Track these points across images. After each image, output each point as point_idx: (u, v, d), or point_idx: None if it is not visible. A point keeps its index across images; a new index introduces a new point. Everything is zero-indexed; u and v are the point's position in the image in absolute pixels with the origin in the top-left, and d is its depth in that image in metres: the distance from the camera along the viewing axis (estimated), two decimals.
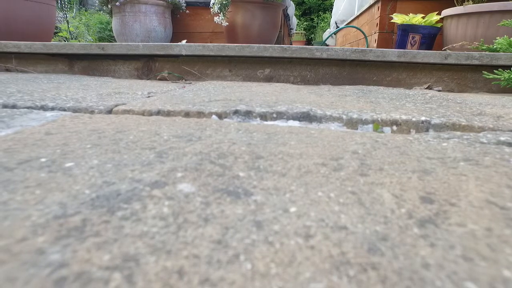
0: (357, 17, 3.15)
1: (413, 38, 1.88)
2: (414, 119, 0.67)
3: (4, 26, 1.83)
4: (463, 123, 0.66)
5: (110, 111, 0.74)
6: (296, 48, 1.32)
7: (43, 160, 0.42)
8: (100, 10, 2.71)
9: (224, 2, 2.00)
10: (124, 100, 0.85)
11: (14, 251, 0.24)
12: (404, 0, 2.20)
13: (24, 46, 1.45)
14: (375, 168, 0.42)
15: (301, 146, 0.51)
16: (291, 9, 3.71)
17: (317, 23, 9.06)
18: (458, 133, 0.62)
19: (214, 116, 0.70)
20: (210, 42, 2.62)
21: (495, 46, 1.32)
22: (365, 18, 2.80)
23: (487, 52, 1.26)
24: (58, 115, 0.67)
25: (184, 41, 1.83)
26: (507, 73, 1.10)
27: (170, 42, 2.49)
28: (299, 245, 0.26)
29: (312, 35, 9.14)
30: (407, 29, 1.89)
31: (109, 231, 0.27)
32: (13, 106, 0.75)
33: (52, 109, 0.74)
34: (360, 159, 0.46)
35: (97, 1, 2.33)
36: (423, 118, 0.67)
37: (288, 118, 0.70)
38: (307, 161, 0.44)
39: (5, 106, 0.75)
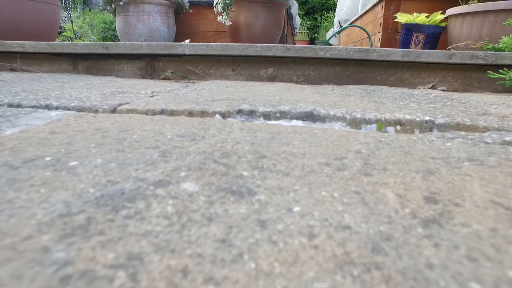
0: (361, 16, 3.14)
1: (417, 37, 1.87)
2: (418, 118, 0.67)
3: (9, 26, 1.84)
4: (467, 123, 0.65)
5: (114, 111, 0.74)
6: (299, 47, 1.32)
7: (48, 159, 0.42)
8: (103, 10, 2.72)
9: (227, 2, 2.00)
10: (127, 99, 0.86)
11: (20, 249, 0.24)
12: None
13: (29, 45, 1.46)
14: (378, 168, 0.42)
15: (304, 145, 0.51)
16: (294, 9, 3.70)
17: (321, 23, 9.04)
18: (463, 133, 0.62)
19: (217, 116, 0.70)
20: (213, 42, 2.62)
21: (500, 46, 1.31)
22: (369, 18, 2.79)
23: (492, 52, 1.25)
24: (62, 114, 0.68)
25: (187, 41, 1.83)
26: None
27: (174, 41, 2.50)
28: (303, 245, 0.26)
29: (316, 35, 9.12)
30: (411, 28, 1.88)
31: (113, 229, 0.27)
32: (18, 105, 0.75)
33: (57, 108, 0.74)
34: (364, 159, 0.45)
35: (101, 1, 2.34)
36: (427, 118, 0.67)
37: (291, 118, 0.70)
38: (310, 161, 0.44)
39: (10, 105, 0.76)
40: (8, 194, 0.32)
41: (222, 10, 2.03)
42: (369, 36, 2.52)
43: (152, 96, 0.93)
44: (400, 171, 0.41)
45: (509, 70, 1.11)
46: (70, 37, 2.97)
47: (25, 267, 0.22)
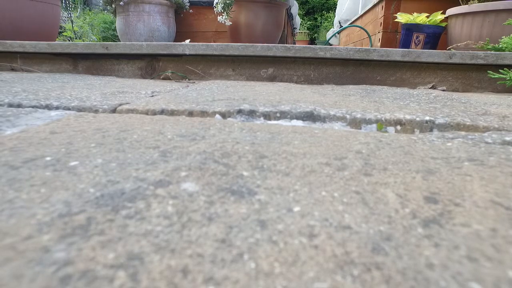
0: (361, 16, 3.14)
1: (417, 37, 1.87)
2: (418, 118, 0.67)
3: (10, 25, 1.84)
4: (467, 123, 0.65)
5: (114, 110, 0.74)
6: (299, 47, 1.32)
7: (48, 159, 0.42)
8: (104, 10, 2.72)
9: (227, 2, 2.00)
10: (128, 99, 0.86)
11: (20, 249, 0.24)
12: None
13: (29, 45, 1.46)
14: (379, 168, 0.42)
15: (304, 145, 0.51)
16: (295, 9, 3.70)
17: (321, 23, 9.04)
18: (463, 133, 0.62)
19: (217, 116, 0.70)
20: (214, 42, 2.62)
21: (500, 46, 1.31)
22: (369, 18, 2.79)
23: (492, 52, 1.25)
24: (62, 114, 0.68)
25: (187, 41, 1.83)
26: None
27: (174, 41, 2.49)
28: (303, 245, 0.26)
29: (316, 35, 9.13)
30: (411, 28, 1.88)
31: (113, 229, 0.27)
32: (19, 105, 0.75)
33: (57, 108, 0.74)
34: (364, 159, 0.45)
35: (101, 1, 2.34)
36: (427, 118, 0.67)
37: (291, 118, 0.70)
38: (310, 161, 0.44)
39: (10, 105, 0.76)
40: (8, 194, 0.32)
41: (222, 10, 2.03)
42: (369, 36, 2.51)
43: (152, 96, 0.93)
44: (400, 171, 0.41)
45: (509, 70, 1.11)
46: (70, 37, 2.97)
47: (25, 267, 0.22)
